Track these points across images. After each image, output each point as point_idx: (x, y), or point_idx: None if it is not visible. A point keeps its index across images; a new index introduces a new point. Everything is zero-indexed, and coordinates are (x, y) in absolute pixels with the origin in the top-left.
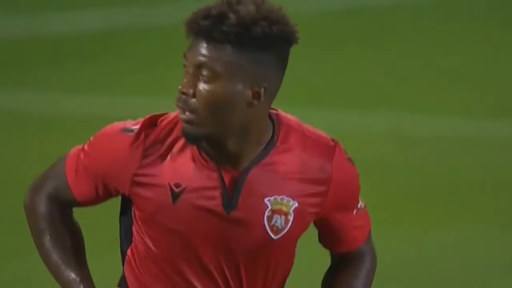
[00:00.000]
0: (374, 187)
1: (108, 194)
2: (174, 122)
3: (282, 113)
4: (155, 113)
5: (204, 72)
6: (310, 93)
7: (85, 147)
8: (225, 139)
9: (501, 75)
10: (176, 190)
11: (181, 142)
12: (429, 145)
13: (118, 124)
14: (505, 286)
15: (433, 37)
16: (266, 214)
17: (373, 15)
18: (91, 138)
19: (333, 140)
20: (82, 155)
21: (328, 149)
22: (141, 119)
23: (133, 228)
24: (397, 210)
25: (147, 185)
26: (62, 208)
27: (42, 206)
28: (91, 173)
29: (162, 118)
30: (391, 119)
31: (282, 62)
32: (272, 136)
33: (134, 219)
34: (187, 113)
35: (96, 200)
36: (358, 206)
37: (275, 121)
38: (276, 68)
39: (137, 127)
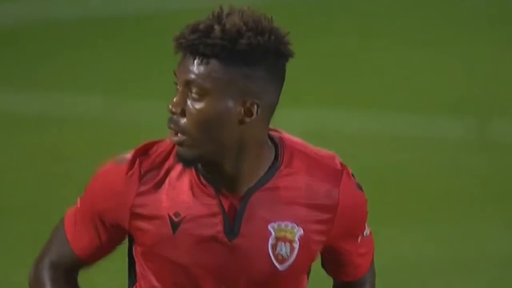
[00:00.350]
0: None
1: (110, 239)
2: (171, 147)
3: (285, 134)
4: (149, 140)
5: (193, 90)
6: None
7: (81, 195)
8: (221, 160)
9: (426, 72)
10: (176, 220)
11: (178, 168)
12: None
13: (111, 159)
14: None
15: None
16: (270, 241)
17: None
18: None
19: (341, 164)
20: (78, 204)
21: (336, 173)
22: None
23: (136, 266)
24: None
25: (146, 216)
26: (66, 273)
27: (45, 275)
28: (89, 216)
29: (157, 144)
30: (310, 116)
31: (276, 76)
32: (276, 159)
33: (136, 257)
34: (179, 134)
35: (99, 251)
36: (364, 233)
37: (278, 143)
38: (269, 83)
39: (130, 155)
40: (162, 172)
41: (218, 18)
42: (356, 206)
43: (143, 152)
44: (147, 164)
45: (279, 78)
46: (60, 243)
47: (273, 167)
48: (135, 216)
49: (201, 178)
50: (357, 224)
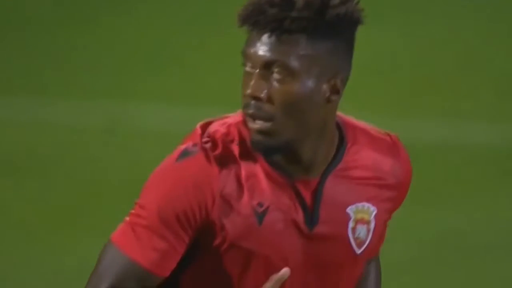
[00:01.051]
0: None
1: (186, 245)
2: (232, 132)
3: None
4: (202, 122)
5: (276, 70)
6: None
7: (141, 206)
8: (301, 145)
9: None
10: (260, 210)
11: (248, 154)
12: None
13: (169, 159)
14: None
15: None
16: (350, 225)
17: None
18: (139, 200)
19: (389, 133)
20: (139, 216)
21: (394, 147)
22: (190, 136)
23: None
24: None
25: (230, 206)
26: None
27: None
28: (164, 223)
29: (213, 126)
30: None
31: (352, 47)
32: (342, 137)
33: (199, 267)
34: (258, 121)
35: (172, 261)
36: None
37: (337, 120)
38: (347, 54)
39: (197, 145)
40: (234, 158)
41: None
42: (410, 178)
43: (202, 139)
44: (218, 151)
45: (353, 47)
46: (119, 265)
47: (342, 145)
48: (221, 206)
49: (272, 165)
50: (405, 196)
